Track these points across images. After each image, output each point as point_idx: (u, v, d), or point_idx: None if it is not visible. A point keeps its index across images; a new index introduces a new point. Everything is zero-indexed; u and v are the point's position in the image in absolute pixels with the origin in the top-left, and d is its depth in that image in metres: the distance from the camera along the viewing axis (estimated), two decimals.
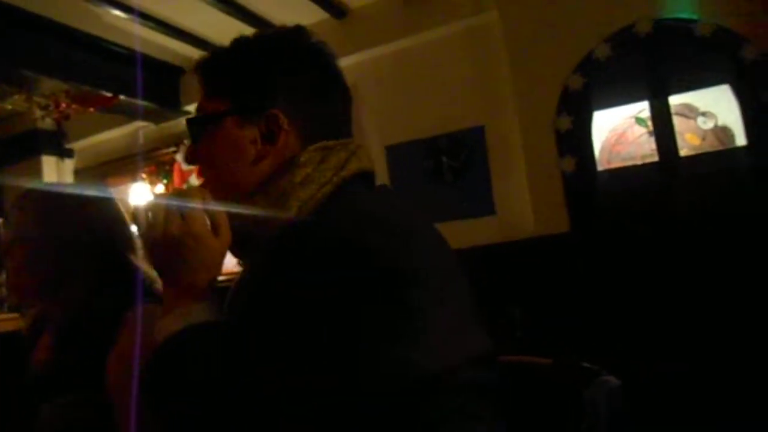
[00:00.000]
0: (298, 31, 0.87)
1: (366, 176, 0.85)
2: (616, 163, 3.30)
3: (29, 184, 1.25)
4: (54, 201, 1.19)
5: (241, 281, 0.82)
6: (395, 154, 3.81)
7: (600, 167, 3.27)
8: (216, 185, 0.82)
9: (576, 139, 3.20)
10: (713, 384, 2.69)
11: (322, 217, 0.75)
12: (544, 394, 1.01)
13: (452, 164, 3.62)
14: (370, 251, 0.65)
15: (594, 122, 3.24)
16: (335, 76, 0.87)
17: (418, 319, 0.65)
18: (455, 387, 0.67)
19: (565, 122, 3.19)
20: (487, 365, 0.74)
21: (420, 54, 3.74)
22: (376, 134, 3.87)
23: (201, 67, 0.87)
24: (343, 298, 0.63)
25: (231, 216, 0.79)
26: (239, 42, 0.86)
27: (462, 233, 3.51)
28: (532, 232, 3.28)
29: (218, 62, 0.86)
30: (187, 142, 0.87)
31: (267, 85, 0.82)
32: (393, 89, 3.82)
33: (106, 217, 1.22)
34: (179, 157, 4.32)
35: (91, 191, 1.22)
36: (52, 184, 1.41)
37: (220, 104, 0.83)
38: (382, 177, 3.82)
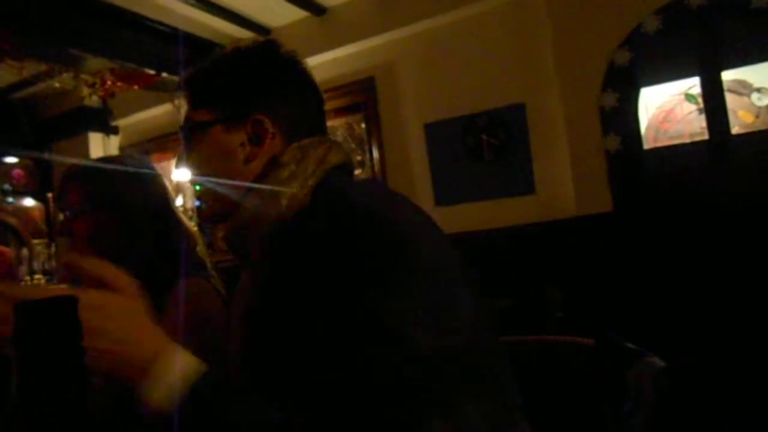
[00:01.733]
0: (271, 43, 0.95)
1: (345, 168, 0.91)
2: (664, 142, 3.19)
3: (77, 159, 1.28)
4: (112, 173, 1.22)
5: (248, 288, 0.88)
6: (434, 131, 3.77)
7: (646, 146, 3.16)
8: (211, 189, 0.89)
9: (621, 117, 3.10)
10: (727, 378, 2.62)
11: (312, 210, 0.81)
12: (585, 374, 1.00)
13: (492, 142, 3.56)
14: (362, 235, 0.70)
15: (641, 99, 3.14)
16: (307, 79, 0.95)
17: (418, 287, 0.68)
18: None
19: (611, 99, 3.10)
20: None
21: (459, 29, 3.66)
22: (414, 112, 3.84)
23: (186, 81, 0.95)
24: (344, 284, 0.67)
25: (229, 219, 0.88)
26: (219, 57, 0.94)
27: (501, 212, 3.48)
28: (573, 212, 3.21)
29: (203, 76, 0.94)
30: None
31: (249, 94, 0.89)
32: (432, 66, 3.77)
33: (159, 185, 1.26)
34: None
35: (137, 163, 1.25)
36: (101, 158, 1.45)
37: (207, 114, 0.90)
38: (420, 155, 3.79)
